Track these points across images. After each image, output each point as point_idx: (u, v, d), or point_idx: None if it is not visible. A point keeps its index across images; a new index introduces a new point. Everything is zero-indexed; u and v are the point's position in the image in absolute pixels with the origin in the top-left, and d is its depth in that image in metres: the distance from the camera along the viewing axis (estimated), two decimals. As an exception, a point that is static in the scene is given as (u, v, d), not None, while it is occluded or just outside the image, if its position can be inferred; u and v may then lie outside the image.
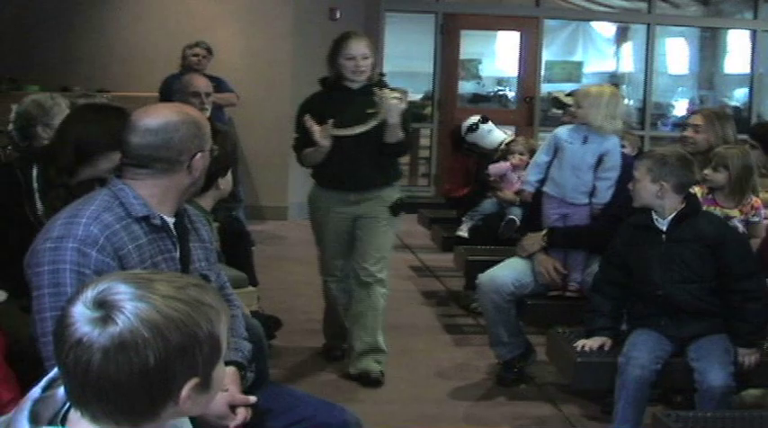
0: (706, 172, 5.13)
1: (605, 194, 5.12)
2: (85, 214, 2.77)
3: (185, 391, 1.64)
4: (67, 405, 1.69)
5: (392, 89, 5.37)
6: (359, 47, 5.33)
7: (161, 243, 2.87)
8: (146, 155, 2.86)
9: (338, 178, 5.39)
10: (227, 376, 2.95)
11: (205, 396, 1.71)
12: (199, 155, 2.89)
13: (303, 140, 5.37)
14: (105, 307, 1.61)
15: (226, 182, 4.76)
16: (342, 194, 5.43)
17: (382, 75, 5.63)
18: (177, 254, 2.93)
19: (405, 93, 5.50)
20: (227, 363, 2.98)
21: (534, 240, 5.22)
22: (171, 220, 2.94)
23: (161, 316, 1.61)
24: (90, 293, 1.64)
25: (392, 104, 5.16)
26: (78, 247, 2.70)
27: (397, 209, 5.49)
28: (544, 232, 5.20)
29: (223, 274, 3.29)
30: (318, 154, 5.30)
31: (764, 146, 5.77)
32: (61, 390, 1.70)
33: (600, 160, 5.09)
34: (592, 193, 5.13)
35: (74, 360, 1.60)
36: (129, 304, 1.62)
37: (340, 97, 5.38)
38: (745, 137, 6.08)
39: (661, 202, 4.36)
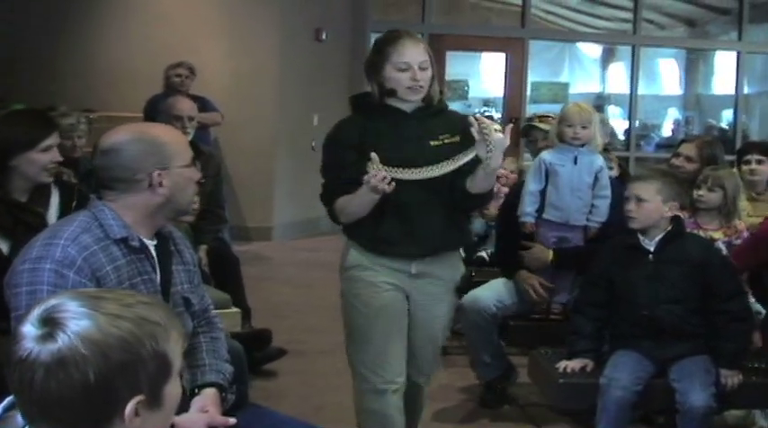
0: (700, 193, 5.12)
1: (604, 212, 5.07)
2: (64, 235, 2.77)
3: (130, 408, 1.65)
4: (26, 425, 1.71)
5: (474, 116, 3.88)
6: (416, 52, 3.87)
7: (139, 264, 2.87)
8: (104, 176, 2.90)
9: (394, 240, 3.88)
10: (207, 397, 2.97)
11: (158, 414, 1.72)
12: (157, 172, 2.87)
13: (341, 184, 3.86)
14: (49, 325, 1.64)
15: None
16: (399, 262, 3.93)
17: (442, 92, 4.12)
18: (157, 276, 2.93)
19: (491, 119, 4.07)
20: (209, 385, 3.01)
21: (543, 252, 5.18)
22: (151, 242, 2.94)
23: (101, 334, 1.63)
24: (37, 311, 1.67)
25: (497, 140, 3.66)
26: (56, 269, 2.70)
27: (466, 287, 4.41)
28: (550, 256, 5.14)
29: (207, 296, 3.28)
30: (367, 203, 3.79)
31: None
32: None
33: (596, 178, 5.08)
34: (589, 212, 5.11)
35: (19, 377, 1.64)
36: (72, 322, 1.64)
37: (387, 124, 3.90)
38: (731, 158, 6.10)
39: (662, 223, 4.37)
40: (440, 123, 3.95)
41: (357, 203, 3.82)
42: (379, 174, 3.62)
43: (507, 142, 3.70)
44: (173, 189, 2.91)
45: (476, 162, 3.74)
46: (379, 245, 3.92)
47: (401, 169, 3.70)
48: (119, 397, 1.64)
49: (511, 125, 4.31)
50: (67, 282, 2.68)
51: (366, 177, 3.65)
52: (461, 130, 3.84)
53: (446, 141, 3.89)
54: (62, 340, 1.62)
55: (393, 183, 3.63)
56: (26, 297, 2.70)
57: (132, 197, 2.88)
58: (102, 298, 1.70)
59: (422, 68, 3.86)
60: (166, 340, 1.71)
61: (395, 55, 3.86)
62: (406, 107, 3.93)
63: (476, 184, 3.82)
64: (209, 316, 3.23)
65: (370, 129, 3.89)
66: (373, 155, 3.63)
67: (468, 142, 3.76)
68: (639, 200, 4.37)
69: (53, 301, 1.69)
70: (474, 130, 3.67)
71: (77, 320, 1.64)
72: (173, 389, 1.74)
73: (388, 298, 3.95)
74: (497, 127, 3.69)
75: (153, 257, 2.92)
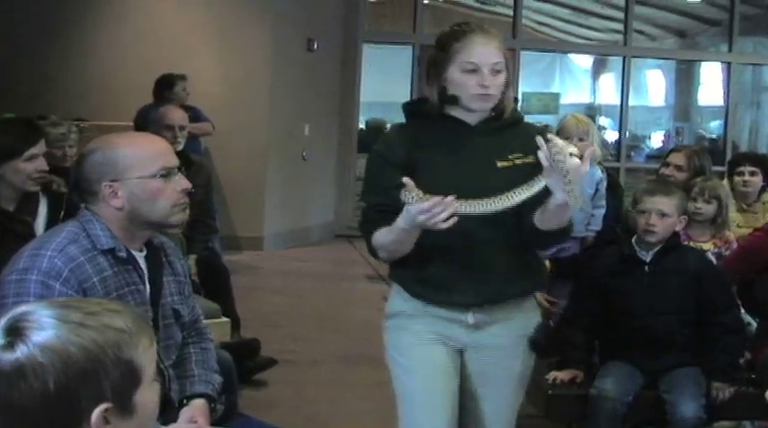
0: (698, 205, 5.12)
1: (600, 221, 5.13)
2: (50, 246, 2.77)
3: (95, 416, 1.64)
4: None
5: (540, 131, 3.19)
6: (487, 51, 3.12)
7: (127, 275, 2.85)
8: (78, 187, 2.92)
9: (446, 284, 3.16)
10: (196, 408, 2.96)
11: (131, 422, 1.71)
12: (107, 184, 2.83)
13: (379, 211, 3.11)
14: (12, 335, 1.65)
15: None
16: (453, 311, 3.20)
17: (516, 100, 3.33)
18: (146, 287, 2.91)
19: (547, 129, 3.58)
20: (198, 396, 2.99)
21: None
22: (141, 253, 2.93)
23: (61, 342, 1.63)
24: (4, 320, 1.69)
25: (574, 167, 2.84)
26: (42, 280, 2.70)
27: (540, 340, 3.42)
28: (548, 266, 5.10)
29: (197, 307, 3.26)
30: (405, 239, 3.05)
31: (765, 172, 5.86)
32: None
33: (596, 189, 5.11)
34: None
35: None
36: (33, 331, 1.65)
37: (445, 138, 3.19)
38: (721, 169, 6.13)
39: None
40: (511, 139, 3.21)
41: (394, 239, 3.06)
42: (422, 205, 2.84)
43: (586, 170, 2.88)
44: (131, 201, 2.85)
45: (548, 191, 2.93)
46: (427, 290, 3.19)
47: (456, 199, 2.86)
48: (82, 406, 1.64)
49: (592, 149, 3.59)
50: (54, 293, 2.67)
51: (420, 218, 2.86)
52: (537, 147, 2.99)
53: (517, 162, 3.16)
54: (21, 350, 1.63)
55: (452, 219, 2.86)
56: (12, 309, 2.69)
57: (101, 209, 2.86)
58: (68, 306, 1.70)
59: (493, 72, 3.12)
60: (133, 347, 1.69)
61: (461, 53, 3.12)
62: (471, 118, 3.21)
63: (545, 219, 3.03)
64: (200, 327, 3.21)
65: (422, 143, 3.18)
66: (406, 180, 2.87)
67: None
68: (663, 214, 4.35)
69: (20, 310, 1.70)
70: (542, 155, 2.85)
71: (39, 330, 1.64)
72: (146, 397, 1.73)
73: (433, 351, 3.23)
74: (573, 149, 2.84)
75: (141, 268, 2.91)
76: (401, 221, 2.95)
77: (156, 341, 2.85)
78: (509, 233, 3.13)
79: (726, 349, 4.32)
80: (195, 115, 8.25)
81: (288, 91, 10.96)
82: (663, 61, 15.71)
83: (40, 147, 4.05)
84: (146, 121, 6.85)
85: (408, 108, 3.37)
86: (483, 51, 3.11)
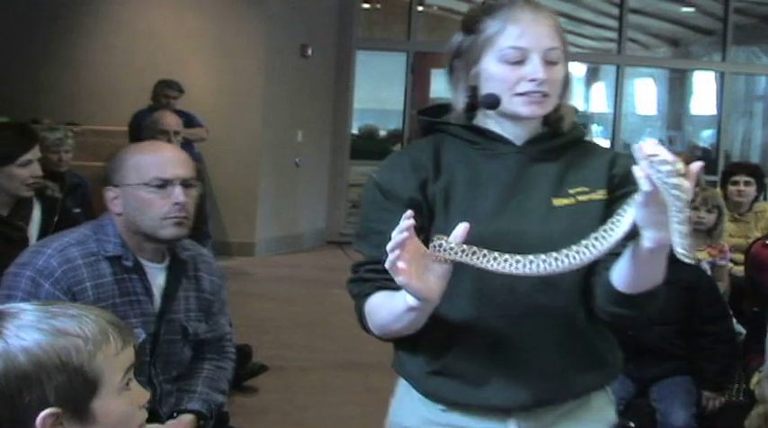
0: (701, 215, 5.13)
1: None
2: (53, 245, 2.78)
3: (39, 421, 1.62)
4: None
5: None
6: (539, 31, 2.09)
7: (129, 285, 2.83)
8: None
9: (477, 377, 2.11)
10: (181, 424, 2.92)
11: None
12: (109, 188, 2.85)
13: (371, 269, 2.11)
14: None
15: None
16: (486, 420, 2.15)
17: (576, 110, 2.27)
18: (151, 299, 2.86)
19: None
20: (188, 412, 2.94)
21: None
22: (158, 265, 2.90)
23: (4, 344, 1.63)
24: None
25: (681, 199, 1.69)
26: (34, 277, 2.71)
27: None
28: None
29: (225, 326, 3.19)
30: (410, 319, 2.00)
31: (759, 182, 5.91)
32: None
33: None
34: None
35: None
36: None
37: (481, 164, 2.16)
38: (713, 178, 6.16)
39: None
40: (572, 166, 2.19)
41: (397, 316, 2.00)
42: (437, 255, 1.88)
43: (691, 194, 1.73)
44: (125, 207, 2.82)
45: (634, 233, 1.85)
46: (447, 387, 2.14)
47: (489, 253, 1.87)
48: (25, 409, 1.63)
49: (699, 163, 1.92)
50: (41, 292, 2.68)
51: (420, 291, 1.88)
52: (609, 178, 2.17)
53: (581, 198, 2.14)
54: None
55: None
56: (2, 300, 2.70)
57: (112, 213, 2.87)
58: (22, 309, 1.69)
59: (549, 62, 2.10)
60: (90, 354, 1.66)
61: (500, 35, 2.09)
62: (516, 133, 2.17)
63: (633, 274, 1.98)
64: (223, 345, 3.17)
65: (445, 170, 2.15)
66: (406, 221, 1.81)
67: (622, 199, 1.90)
68: None
69: None
70: (641, 175, 1.71)
71: None
72: (110, 406, 1.69)
73: None
74: (681, 166, 1.70)
75: (148, 279, 2.86)
76: (410, 297, 1.91)
77: (151, 354, 2.85)
78: (569, 299, 2.11)
79: (717, 358, 4.33)
80: (189, 121, 8.24)
81: (281, 97, 10.96)
82: (656, 70, 15.74)
83: (34, 153, 4.05)
84: (140, 126, 6.85)
85: (424, 118, 2.28)
86: (532, 31, 2.09)
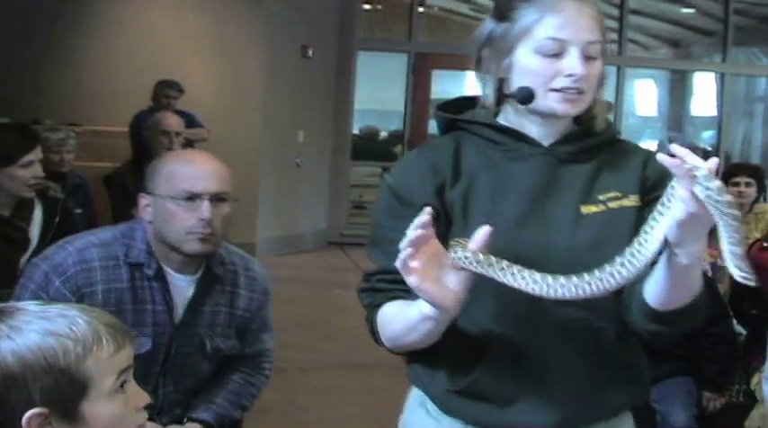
0: None
1: None
2: (76, 243, 2.78)
3: (24, 421, 1.62)
4: None
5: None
6: (581, 23, 1.94)
7: (148, 293, 2.80)
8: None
9: (501, 396, 1.97)
10: None
11: None
12: (142, 194, 2.83)
13: (383, 278, 2.00)
14: None
15: None
16: None
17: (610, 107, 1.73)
18: (171, 310, 2.83)
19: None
20: (197, 421, 2.93)
21: None
22: (187, 276, 2.86)
23: None
24: None
25: (737, 219, 1.59)
26: (48, 272, 2.72)
27: None
28: None
29: (265, 342, 3.16)
30: (425, 331, 1.87)
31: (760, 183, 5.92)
32: None
33: None
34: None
35: None
36: None
37: (505, 167, 2.00)
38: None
39: None
40: (603, 169, 2.03)
41: (406, 322, 1.90)
42: (455, 262, 1.75)
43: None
44: (154, 216, 2.79)
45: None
46: (469, 406, 2.01)
47: (509, 266, 1.74)
48: (11, 409, 1.63)
49: (715, 159, 1.65)
50: (50, 288, 2.69)
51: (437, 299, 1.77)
52: (642, 181, 2.02)
53: (611, 205, 1.99)
54: None
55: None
56: (19, 289, 2.75)
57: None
58: (29, 310, 1.69)
59: (588, 57, 1.96)
60: (78, 356, 1.65)
61: (539, 24, 1.93)
62: (543, 133, 2.01)
63: (669, 289, 1.82)
64: (260, 361, 3.15)
65: (464, 172, 2.00)
66: (422, 219, 1.71)
67: (654, 203, 1.73)
68: None
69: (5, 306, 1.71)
70: (684, 194, 1.59)
71: None
72: (101, 409, 1.68)
73: None
74: (719, 184, 1.57)
75: (169, 290, 2.82)
76: (426, 305, 1.80)
77: (163, 364, 2.84)
78: (598, 313, 1.95)
79: (717, 359, 4.34)
80: (190, 121, 8.23)
81: (282, 97, 10.97)
82: (656, 71, 15.74)
83: (36, 154, 4.05)
84: (141, 127, 6.85)
85: (443, 113, 2.13)
86: (574, 23, 1.93)
